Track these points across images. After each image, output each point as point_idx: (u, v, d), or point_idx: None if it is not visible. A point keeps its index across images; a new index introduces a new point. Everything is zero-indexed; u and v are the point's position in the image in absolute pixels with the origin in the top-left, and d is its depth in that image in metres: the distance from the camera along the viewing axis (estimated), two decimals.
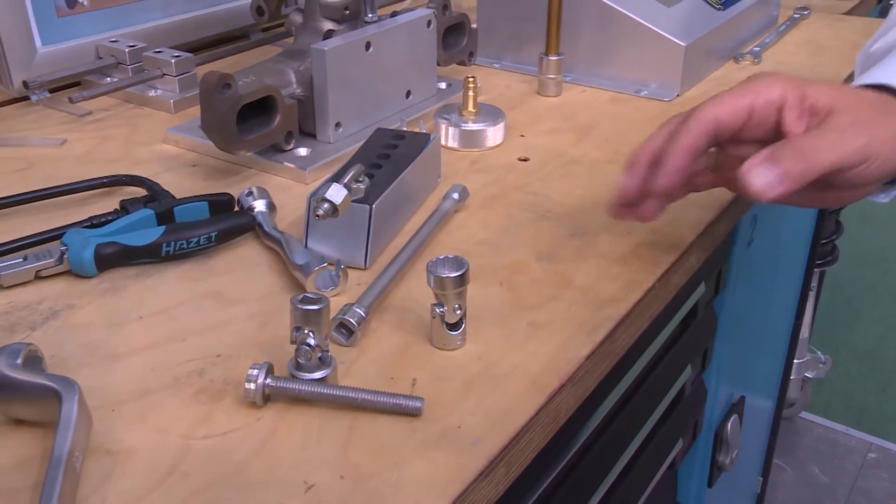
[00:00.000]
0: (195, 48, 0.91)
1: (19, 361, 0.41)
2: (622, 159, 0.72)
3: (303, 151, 0.70)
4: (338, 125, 0.71)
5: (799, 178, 0.47)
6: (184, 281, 0.54)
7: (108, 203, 0.63)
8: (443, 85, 0.84)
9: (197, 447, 0.41)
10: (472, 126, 0.74)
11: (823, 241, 1.59)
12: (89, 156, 0.72)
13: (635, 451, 0.73)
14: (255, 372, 0.43)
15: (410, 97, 0.79)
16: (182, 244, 0.56)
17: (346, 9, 0.75)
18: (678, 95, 0.85)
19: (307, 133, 0.72)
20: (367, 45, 0.71)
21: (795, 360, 1.69)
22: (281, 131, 0.68)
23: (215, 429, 0.42)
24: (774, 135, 0.51)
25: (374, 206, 0.55)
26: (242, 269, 0.56)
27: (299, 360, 0.44)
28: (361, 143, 0.65)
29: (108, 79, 0.84)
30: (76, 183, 0.64)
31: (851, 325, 2.30)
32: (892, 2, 1.29)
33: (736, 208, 0.67)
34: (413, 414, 0.43)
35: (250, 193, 0.61)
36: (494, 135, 0.74)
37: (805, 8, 1.11)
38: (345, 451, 0.41)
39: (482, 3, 0.93)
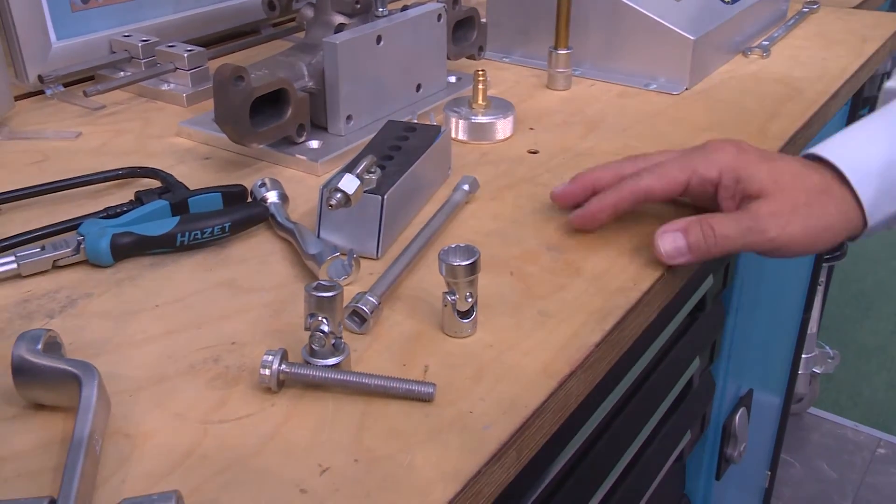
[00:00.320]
0: (207, 43, 0.92)
1: (40, 347, 0.42)
2: (631, 152, 0.73)
3: (314, 144, 0.70)
4: (349, 118, 0.72)
5: (703, 255, 0.54)
6: (198, 270, 0.55)
7: (123, 195, 0.64)
8: (453, 79, 0.85)
9: (213, 431, 0.42)
10: (481, 119, 0.74)
11: None
12: (104, 148, 0.73)
13: (643, 441, 0.73)
14: (270, 358, 0.44)
15: (421, 90, 0.79)
16: (196, 234, 0.56)
17: (357, 3, 0.76)
18: (686, 89, 0.86)
19: (319, 126, 0.72)
20: (379, 39, 0.72)
21: (804, 355, 1.69)
22: (293, 124, 0.69)
23: (231, 414, 0.43)
24: (714, 200, 0.57)
25: (385, 197, 0.56)
26: (256, 258, 0.57)
27: (313, 346, 0.45)
28: (372, 135, 0.65)
29: (122, 73, 0.85)
30: (92, 175, 0.65)
31: (861, 321, 2.29)
32: None
33: None
34: (425, 399, 0.44)
35: (263, 185, 0.61)
36: (504, 128, 0.75)
37: (814, 2, 1.11)
38: (358, 435, 0.42)
39: None
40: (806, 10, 1.09)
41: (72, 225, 0.58)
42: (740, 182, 0.55)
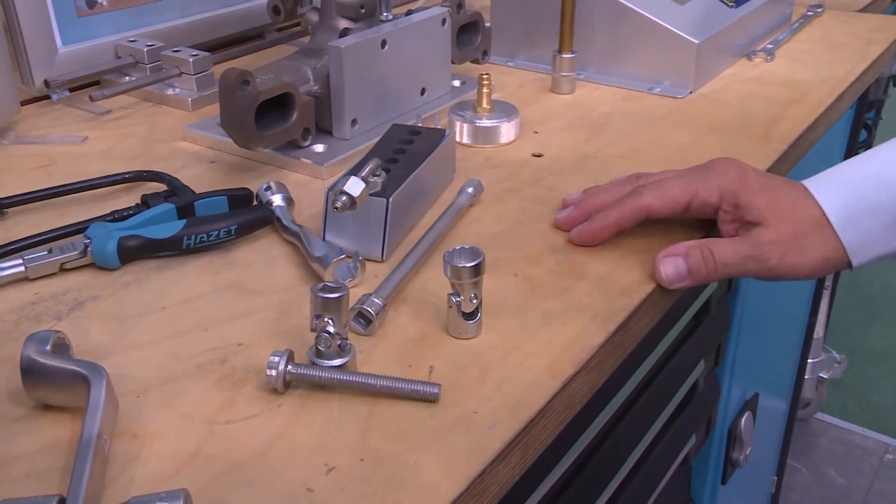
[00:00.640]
0: (212, 48, 0.92)
1: (48, 348, 0.42)
2: (635, 155, 0.73)
3: (319, 148, 0.71)
4: (354, 122, 0.72)
5: (703, 280, 0.55)
6: (204, 273, 0.56)
7: (129, 198, 0.64)
8: (457, 83, 0.85)
9: (220, 431, 0.42)
10: (486, 123, 0.74)
11: None
12: (110, 153, 0.73)
13: (648, 444, 0.73)
14: (277, 359, 0.44)
15: (425, 94, 0.80)
16: (202, 237, 0.57)
17: (361, 7, 0.76)
18: (691, 93, 0.86)
19: (324, 130, 0.73)
20: (383, 43, 0.72)
21: (810, 360, 1.69)
22: (298, 128, 0.69)
23: (238, 414, 0.43)
24: (714, 220, 0.58)
25: (390, 199, 0.56)
26: (262, 261, 0.57)
27: (319, 347, 0.45)
28: (377, 139, 0.66)
29: (127, 78, 0.85)
30: (98, 178, 0.65)
31: (868, 326, 2.29)
32: None
33: None
34: (431, 400, 0.44)
35: (269, 188, 0.62)
36: (508, 131, 0.75)
37: (819, 5, 1.11)
38: (364, 435, 0.42)
39: (496, 1, 0.94)
40: (810, 13, 1.10)
41: (79, 228, 0.58)
42: (739, 208, 0.56)
